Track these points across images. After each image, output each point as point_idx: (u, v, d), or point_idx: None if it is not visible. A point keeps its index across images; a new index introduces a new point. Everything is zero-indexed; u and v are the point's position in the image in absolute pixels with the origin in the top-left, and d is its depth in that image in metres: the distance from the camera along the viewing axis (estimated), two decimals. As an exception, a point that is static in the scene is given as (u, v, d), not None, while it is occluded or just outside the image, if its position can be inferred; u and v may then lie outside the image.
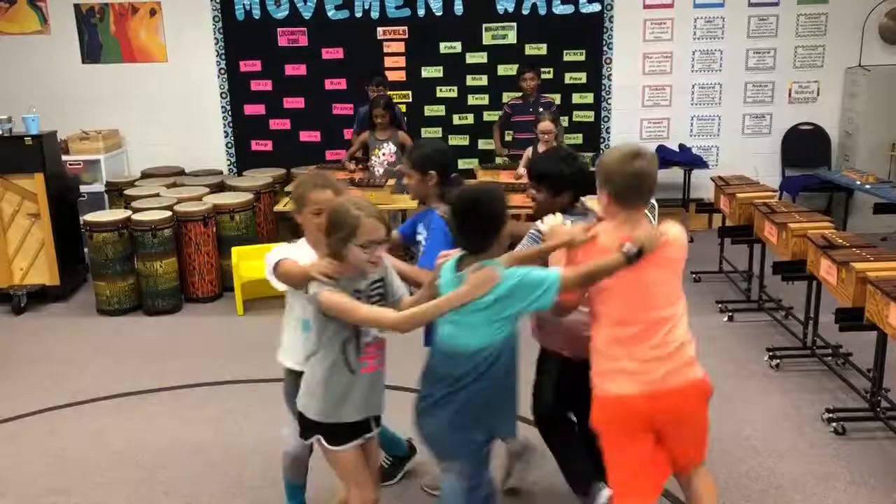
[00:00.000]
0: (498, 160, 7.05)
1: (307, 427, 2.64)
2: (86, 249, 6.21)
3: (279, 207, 6.15)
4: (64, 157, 6.78)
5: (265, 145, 7.76)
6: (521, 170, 5.89)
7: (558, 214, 2.76)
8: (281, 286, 2.85)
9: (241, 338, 5.23)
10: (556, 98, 7.12)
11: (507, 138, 6.95)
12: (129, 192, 6.61)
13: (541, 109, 6.24)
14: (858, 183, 6.15)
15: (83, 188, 6.81)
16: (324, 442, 2.61)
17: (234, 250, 5.81)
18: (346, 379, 2.54)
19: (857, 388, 4.21)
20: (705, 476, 2.73)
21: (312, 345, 2.60)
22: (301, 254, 2.80)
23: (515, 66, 7.17)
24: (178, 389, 4.57)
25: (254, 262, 5.48)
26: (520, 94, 6.81)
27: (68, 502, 3.50)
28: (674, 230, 2.59)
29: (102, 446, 3.95)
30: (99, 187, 7.17)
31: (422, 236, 3.23)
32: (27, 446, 3.99)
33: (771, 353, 4.68)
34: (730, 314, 5.39)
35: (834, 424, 3.88)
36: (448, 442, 2.58)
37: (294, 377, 2.86)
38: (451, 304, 2.39)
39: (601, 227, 2.61)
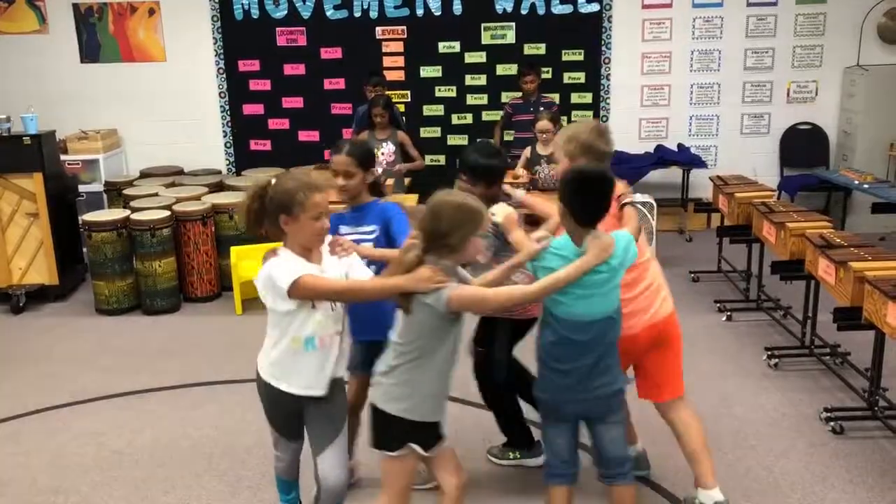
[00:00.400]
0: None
1: (404, 432, 2.58)
2: (84, 249, 6.21)
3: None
4: (62, 157, 6.79)
5: (264, 145, 7.76)
6: (520, 170, 5.89)
7: (503, 204, 2.99)
8: (285, 305, 2.59)
9: (239, 337, 5.23)
10: (555, 98, 7.12)
11: (509, 138, 6.93)
12: (127, 191, 6.61)
13: (541, 109, 6.22)
14: (857, 182, 6.16)
15: (82, 188, 6.81)
16: (418, 449, 2.60)
17: (233, 250, 5.81)
18: (453, 366, 2.64)
19: (855, 387, 4.22)
20: (692, 408, 3.22)
21: (411, 353, 2.55)
22: (304, 266, 2.63)
23: (514, 66, 7.18)
24: (176, 389, 4.57)
25: (252, 262, 5.48)
26: (520, 93, 6.81)
27: (67, 501, 3.51)
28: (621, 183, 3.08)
29: (102, 446, 3.96)
30: (98, 187, 7.17)
31: (362, 233, 3.14)
32: (26, 446, 3.99)
33: (769, 353, 4.69)
34: (728, 314, 5.40)
35: (832, 423, 3.89)
36: (613, 398, 2.78)
37: (281, 394, 2.76)
38: (579, 271, 2.55)
39: None
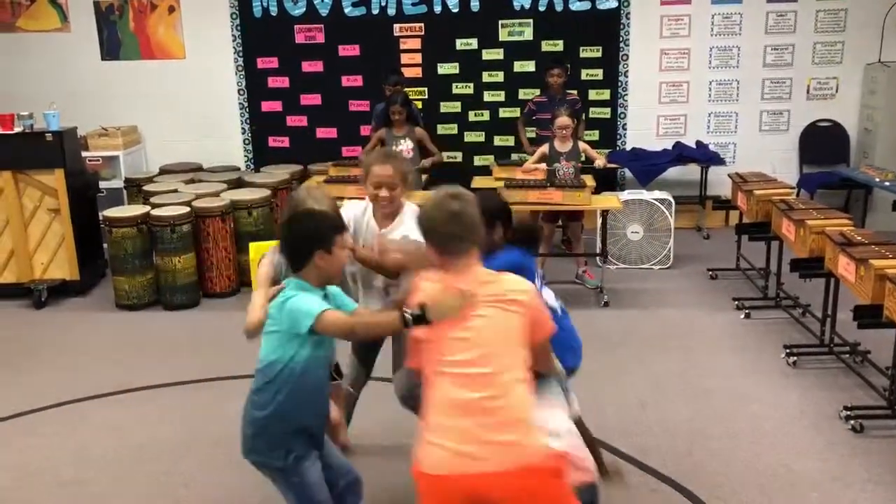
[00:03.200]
0: (514, 157, 7.06)
1: None
2: (105, 245, 6.27)
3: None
4: (83, 154, 6.85)
5: (282, 142, 7.80)
6: (530, 164, 5.94)
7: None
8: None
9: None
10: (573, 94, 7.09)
11: (531, 135, 6.88)
12: (147, 187, 6.66)
13: (564, 106, 6.16)
14: (877, 180, 6.11)
15: (102, 184, 6.84)
16: None
17: (252, 246, 5.80)
18: None
19: (875, 385, 4.19)
20: None
21: None
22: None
23: (532, 63, 7.17)
24: (196, 383, 4.61)
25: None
26: (541, 91, 6.76)
27: (89, 492, 3.55)
28: None
29: (122, 439, 4.00)
30: (118, 183, 7.24)
31: None
32: (48, 439, 4.04)
33: (788, 351, 4.66)
34: (747, 311, 5.37)
35: (852, 422, 3.87)
36: None
37: None
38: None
39: None
